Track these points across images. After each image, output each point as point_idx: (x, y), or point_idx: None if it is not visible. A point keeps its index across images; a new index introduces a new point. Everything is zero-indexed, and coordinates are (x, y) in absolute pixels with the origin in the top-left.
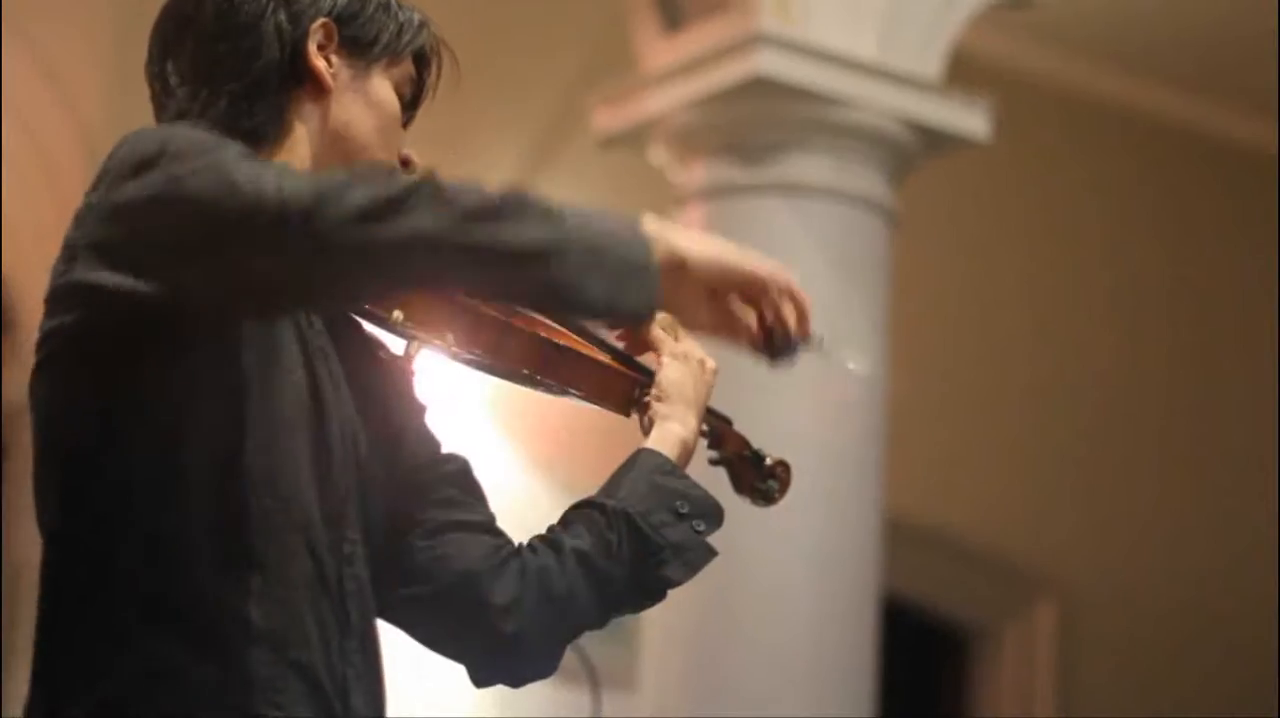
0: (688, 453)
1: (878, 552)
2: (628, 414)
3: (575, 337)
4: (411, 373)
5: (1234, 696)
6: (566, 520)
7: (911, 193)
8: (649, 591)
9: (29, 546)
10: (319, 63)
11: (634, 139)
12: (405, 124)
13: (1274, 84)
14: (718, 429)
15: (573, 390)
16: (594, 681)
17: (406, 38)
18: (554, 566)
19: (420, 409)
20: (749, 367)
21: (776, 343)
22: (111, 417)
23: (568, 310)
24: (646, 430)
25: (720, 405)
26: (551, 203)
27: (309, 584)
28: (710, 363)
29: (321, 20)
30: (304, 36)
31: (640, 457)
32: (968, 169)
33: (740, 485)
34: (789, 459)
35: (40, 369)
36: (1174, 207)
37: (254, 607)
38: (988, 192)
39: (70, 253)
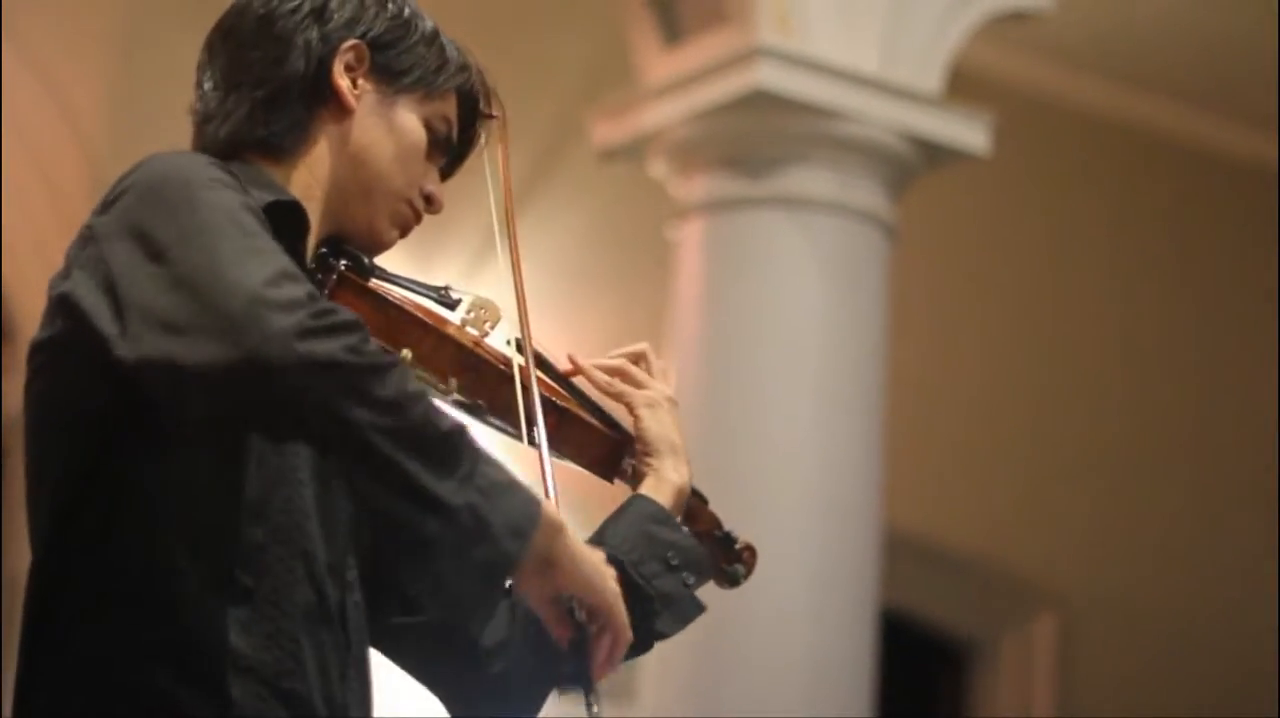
0: (682, 499)
1: (876, 565)
2: (611, 481)
3: (572, 398)
4: None
5: (1233, 708)
6: None
7: (911, 206)
8: (638, 642)
9: (27, 553)
10: (342, 82)
11: (634, 152)
12: (447, 172)
13: (1273, 98)
14: (692, 507)
15: (565, 450)
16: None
17: (444, 76)
18: None
19: None
20: (750, 380)
21: (579, 663)
22: (100, 436)
23: (406, 567)
24: (636, 487)
25: (721, 422)
26: (481, 467)
27: (308, 613)
28: (674, 397)
29: (353, 42)
30: (332, 54)
31: (634, 503)
32: (967, 183)
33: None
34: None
35: (31, 382)
36: (1174, 220)
37: (242, 638)
38: (987, 205)
39: (68, 269)
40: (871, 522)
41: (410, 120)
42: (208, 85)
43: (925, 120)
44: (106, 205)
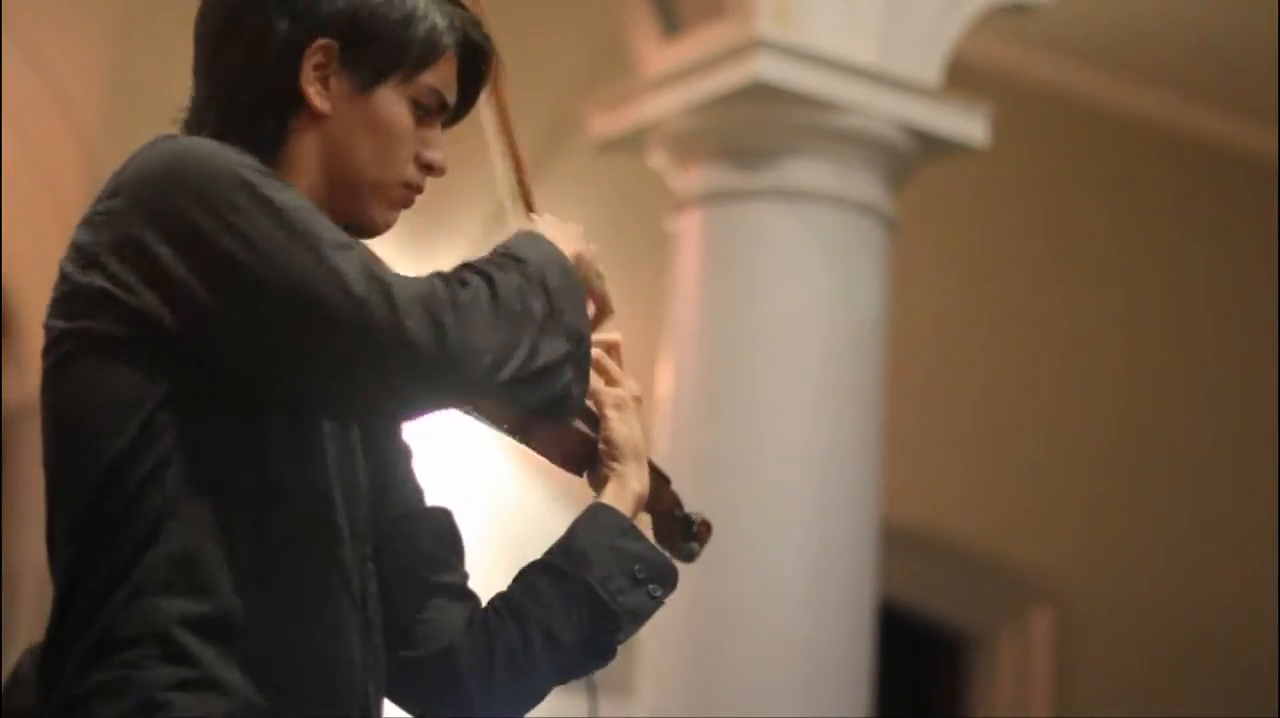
0: (641, 506)
1: (874, 558)
2: (581, 475)
3: None
4: None
5: (1231, 704)
6: (530, 585)
7: (910, 198)
8: (601, 655)
9: (27, 549)
10: (311, 89)
11: (632, 144)
12: (451, 121)
13: (1274, 91)
14: (655, 486)
15: (537, 446)
16: (591, 686)
17: (428, 52)
18: (519, 642)
19: (406, 453)
20: (748, 372)
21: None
22: (134, 428)
23: (547, 415)
24: (598, 487)
25: (719, 415)
26: (551, 287)
27: (340, 595)
28: (640, 396)
29: (320, 42)
30: (298, 57)
31: (599, 516)
32: (966, 175)
33: (660, 538)
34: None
35: (54, 372)
36: (1173, 213)
37: (290, 624)
38: (987, 197)
39: (90, 258)
40: (870, 514)
41: (390, 109)
42: (195, 84)
43: (924, 112)
44: (119, 187)
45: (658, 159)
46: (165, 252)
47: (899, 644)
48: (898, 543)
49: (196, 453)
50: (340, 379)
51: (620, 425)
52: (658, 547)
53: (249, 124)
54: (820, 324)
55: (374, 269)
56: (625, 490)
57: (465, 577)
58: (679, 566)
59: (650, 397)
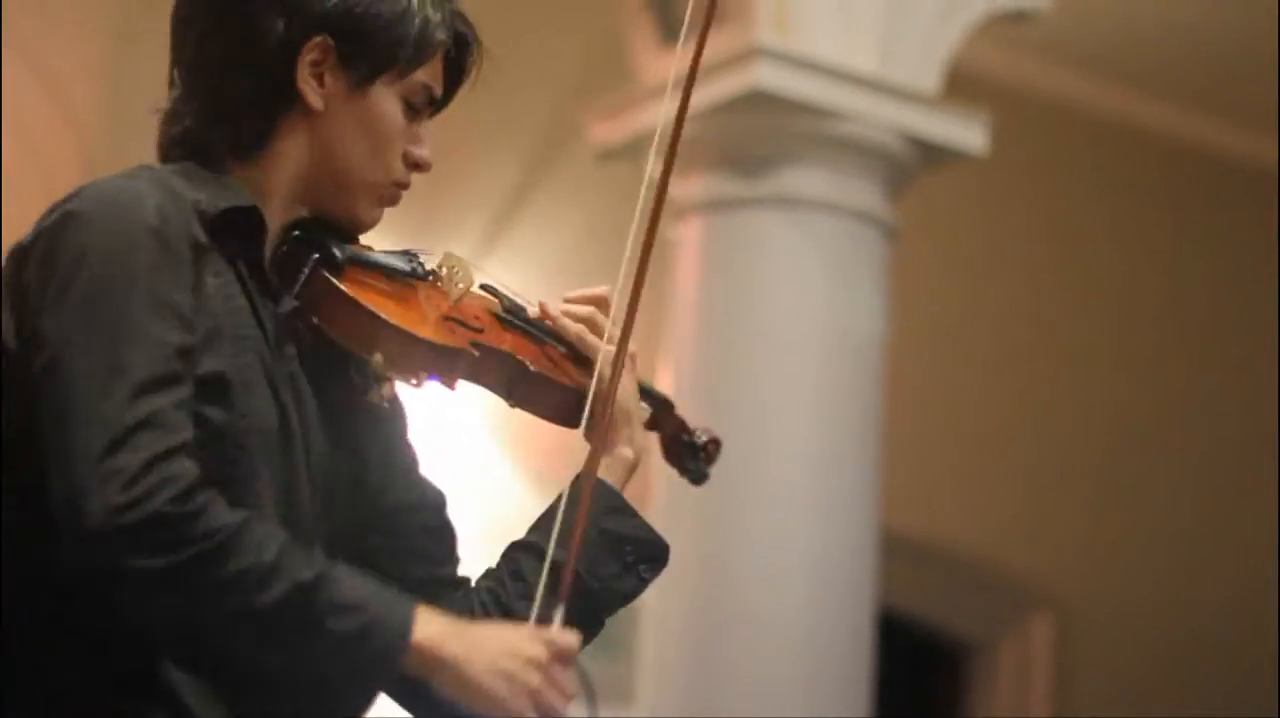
0: (633, 472)
1: (874, 566)
2: (577, 427)
3: (546, 345)
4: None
5: (1232, 709)
6: (517, 571)
7: (909, 206)
8: (589, 631)
9: None
10: (306, 86)
11: (631, 152)
12: (434, 112)
13: (1274, 99)
14: (659, 414)
15: (534, 407)
16: (590, 694)
17: (416, 50)
18: None
19: (411, 455)
20: (747, 380)
21: None
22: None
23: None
24: (592, 440)
25: (718, 422)
26: (319, 626)
27: None
28: (635, 353)
29: (316, 40)
30: (295, 55)
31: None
32: (966, 183)
33: (670, 459)
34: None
35: None
36: (1174, 221)
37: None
38: (986, 205)
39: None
40: (869, 522)
41: (383, 106)
42: (176, 79)
43: (923, 120)
44: (42, 233)
45: (657, 167)
46: (44, 327)
47: (899, 652)
48: (897, 550)
49: None
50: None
51: (612, 385)
52: (646, 523)
53: (236, 119)
54: (819, 332)
55: (151, 459)
56: (617, 458)
57: (456, 566)
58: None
59: None
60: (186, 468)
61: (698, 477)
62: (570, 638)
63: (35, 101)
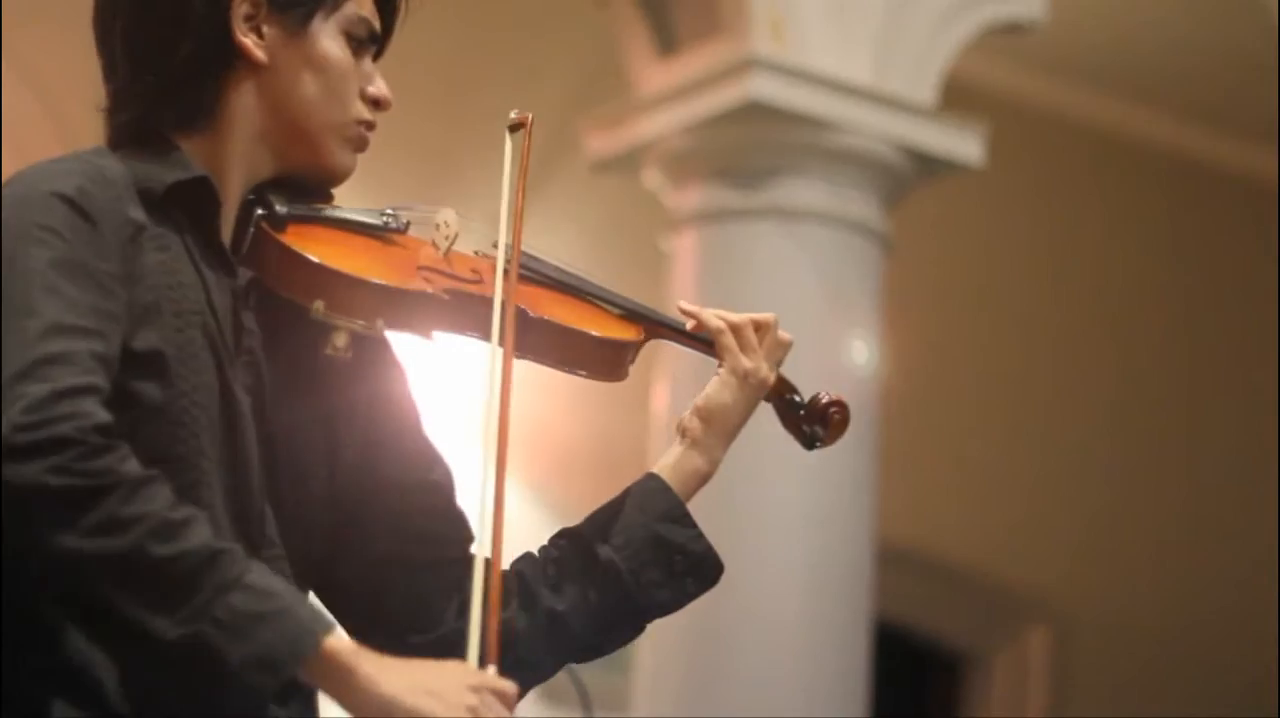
0: (703, 485)
1: (870, 576)
2: (622, 379)
3: (577, 301)
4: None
5: None
6: (555, 558)
7: (905, 217)
8: (623, 638)
9: None
10: (246, 39)
11: (628, 163)
12: (378, 54)
13: (1273, 112)
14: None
15: (549, 358)
16: (586, 703)
17: None
18: (525, 629)
19: (408, 424)
20: None
21: None
22: None
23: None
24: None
25: None
26: (217, 595)
27: None
28: (770, 379)
29: None
30: (226, 14)
31: (650, 493)
32: (961, 194)
33: (785, 425)
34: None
35: None
36: (1170, 232)
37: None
38: (981, 216)
39: None
40: (866, 533)
41: (326, 44)
42: (114, 60)
43: (919, 131)
44: None
45: (653, 178)
46: None
47: (895, 663)
48: (894, 562)
49: None
50: None
51: (726, 393)
52: (705, 539)
53: (179, 92)
54: (815, 343)
55: (57, 391)
56: (689, 465)
57: (465, 543)
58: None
59: (645, 416)
60: (94, 409)
61: (811, 439)
62: (509, 686)
63: (30, 114)
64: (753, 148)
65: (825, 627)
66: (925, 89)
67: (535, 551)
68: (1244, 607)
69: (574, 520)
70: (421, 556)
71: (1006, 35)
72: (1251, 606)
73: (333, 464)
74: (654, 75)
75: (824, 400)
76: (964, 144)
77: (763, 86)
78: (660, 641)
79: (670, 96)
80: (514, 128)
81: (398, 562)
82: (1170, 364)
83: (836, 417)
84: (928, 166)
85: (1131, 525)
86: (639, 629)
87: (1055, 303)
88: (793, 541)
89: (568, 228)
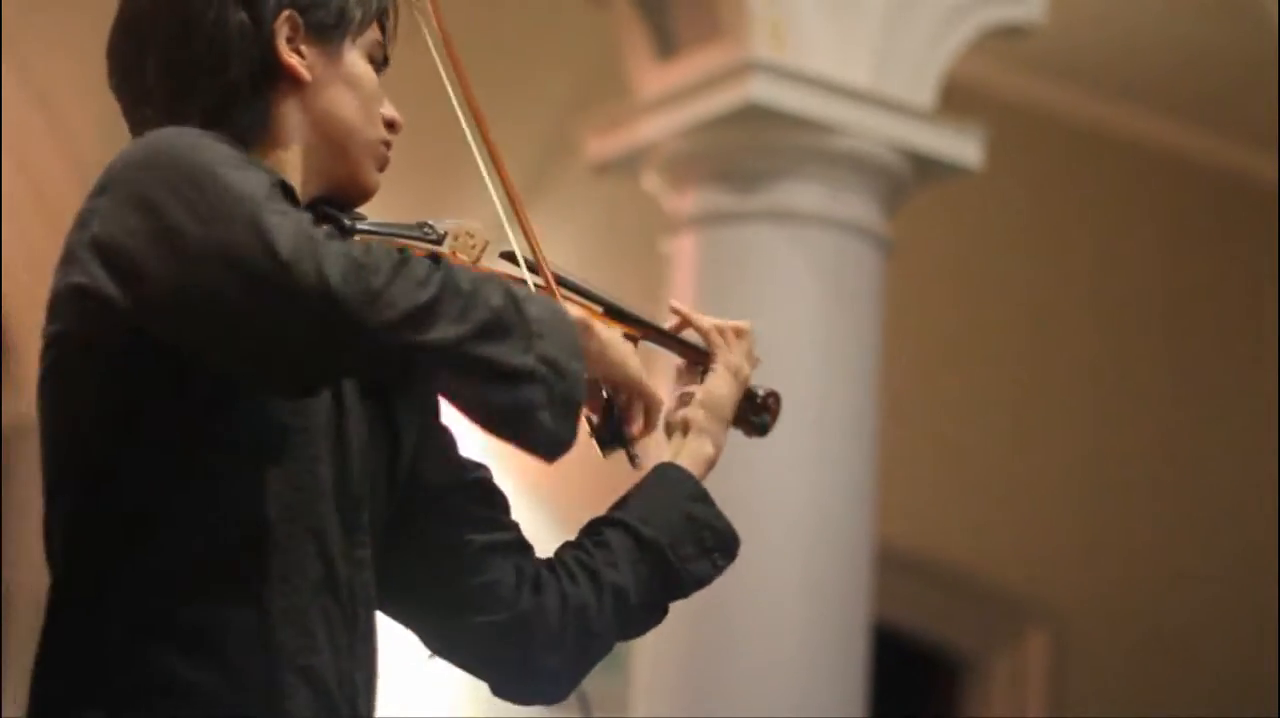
0: (711, 467)
1: (869, 580)
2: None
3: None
4: None
5: None
6: (602, 541)
7: (904, 220)
8: (657, 616)
9: (25, 568)
10: (291, 59)
11: (627, 166)
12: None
13: (1272, 114)
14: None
15: None
16: (585, 706)
17: (370, 5)
18: (593, 603)
19: (442, 432)
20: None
21: (612, 426)
22: (116, 426)
23: (511, 434)
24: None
25: None
26: (528, 312)
27: (317, 589)
28: (747, 371)
29: (285, 14)
30: (271, 35)
31: (673, 478)
32: (961, 197)
33: (736, 421)
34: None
35: (44, 379)
36: (1169, 235)
37: (257, 616)
38: (981, 219)
39: (69, 254)
40: (864, 536)
41: (358, 64)
42: (147, 92)
43: (918, 134)
44: (102, 187)
45: (652, 181)
46: (124, 228)
47: (894, 666)
48: (892, 565)
49: (173, 455)
50: (262, 335)
51: (722, 385)
52: (723, 515)
53: (231, 109)
54: (814, 345)
55: (308, 230)
56: (700, 452)
57: (516, 528)
58: None
59: None
60: (347, 245)
61: (761, 428)
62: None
63: (33, 124)
64: (752, 150)
65: (824, 630)
66: (924, 92)
67: (575, 540)
68: (1243, 611)
69: (573, 520)
70: (479, 540)
71: (1005, 38)
72: (1251, 609)
73: (395, 475)
74: (654, 78)
75: (762, 392)
76: (963, 146)
77: (762, 89)
78: (658, 644)
79: (670, 99)
80: None
81: (458, 551)
82: (1170, 365)
83: (775, 405)
84: (927, 169)
85: (1132, 529)
86: (665, 612)
87: (1055, 306)
88: (791, 543)
89: (567, 231)
